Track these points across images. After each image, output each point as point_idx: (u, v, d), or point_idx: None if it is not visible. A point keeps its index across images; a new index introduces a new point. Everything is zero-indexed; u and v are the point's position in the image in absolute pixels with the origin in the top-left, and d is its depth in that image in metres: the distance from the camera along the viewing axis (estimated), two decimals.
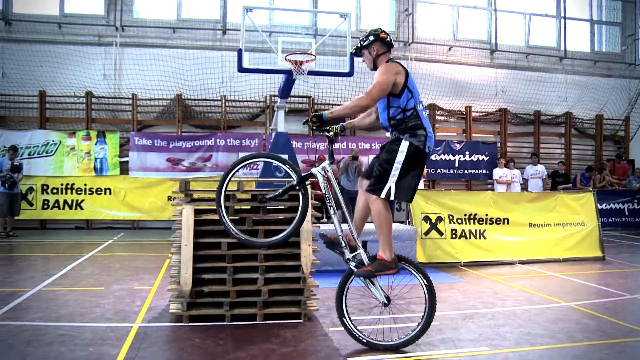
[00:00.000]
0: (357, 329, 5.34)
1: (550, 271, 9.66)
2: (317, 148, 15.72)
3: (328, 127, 5.00)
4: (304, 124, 5.21)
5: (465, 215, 10.42)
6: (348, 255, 5.25)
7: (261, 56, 13.46)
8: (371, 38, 5.05)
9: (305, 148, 16.22)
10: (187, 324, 5.77)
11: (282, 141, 12.85)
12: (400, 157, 4.80)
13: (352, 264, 5.24)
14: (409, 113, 4.89)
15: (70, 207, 15.87)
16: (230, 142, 15.97)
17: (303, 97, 16.71)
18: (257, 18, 12.77)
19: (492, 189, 16.56)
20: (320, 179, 5.21)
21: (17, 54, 15.98)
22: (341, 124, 5.18)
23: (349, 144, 16.43)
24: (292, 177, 5.28)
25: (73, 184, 15.89)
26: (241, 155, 15.94)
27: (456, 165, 17.51)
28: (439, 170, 17.42)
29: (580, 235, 11.02)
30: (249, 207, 6.09)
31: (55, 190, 15.83)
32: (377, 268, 5.19)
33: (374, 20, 18.27)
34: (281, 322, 5.86)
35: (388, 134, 5.23)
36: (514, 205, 10.89)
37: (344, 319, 5.36)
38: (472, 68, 18.58)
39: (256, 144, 16.12)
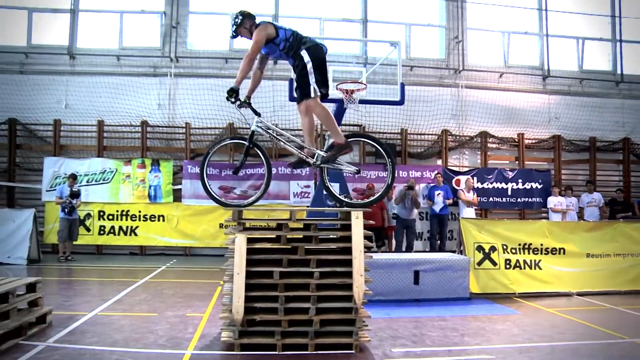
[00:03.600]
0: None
1: (610, 304, 9.33)
2: (368, 177, 15.81)
3: (239, 101, 6.15)
4: (227, 99, 6.09)
5: (519, 244, 10.23)
6: (311, 161, 6.40)
7: None
8: (240, 17, 6.24)
9: (356, 176, 16.15)
10: (238, 353, 5.80)
11: (333, 170, 12.85)
12: (308, 63, 6.07)
13: (319, 162, 6.36)
14: (290, 38, 6.18)
15: (125, 233, 16.24)
16: (281, 171, 16.08)
17: (354, 125, 16.74)
18: None
19: (547, 218, 16.21)
20: (259, 131, 6.41)
21: (79, 85, 16.67)
22: (245, 96, 6.35)
23: (401, 172, 16.35)
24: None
25: (128, 211, 16.28)
26: (292, 183, 16.16)
27: (509, 193, 17.15)
28: (491, 199, 17.10)
29: None
30: (301, 237, 6.11)
31: (111, 217, 16.24)
32: (337, 150, 6.33)
33: (424, 48, 18.31)
34: (333, 353, 5.84)
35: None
36: (570, 234, 10.62)
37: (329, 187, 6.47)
38: (524, 95, 18.29)
39: (307, 172, 16.19)
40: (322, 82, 6.16)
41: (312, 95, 6.10)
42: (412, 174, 16.55)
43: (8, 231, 14.11)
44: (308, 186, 16.27)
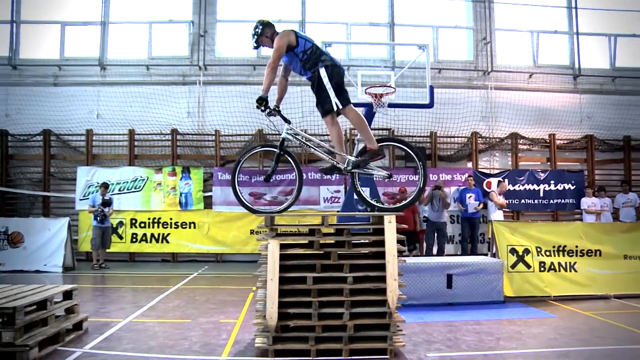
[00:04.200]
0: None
1: None
2: (399, 180, 15.72)
3: (268, 109, 6.19)
4: (257, 107, 6.18)
5: (553, 247, 10.05)
6: (342, 167, 6.39)
7: None
8: (260, 27, 6.34)
9: (386, 180, 16.10)
10: (272, 358, 5.80)
11: (364, 174, 12.83)
12: (325, 79, 6.10)
13: (349, 167, 6.35)
14: (309, 51, 6.22)
15: (157, 241, 16.41)
16: (311, 176, 16.12)
17: (383, 129, 16.70)
18: (335, 52, 12.94)
19: (581, 219, 15.94)
20: (290, 138, 6.51)
21: (110, 96, 16.93)
22: (274, 104, 6.40)
23: (431, 175, 16.24)
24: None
25: (159, 218, 16.44)
26: (322, 188, 16.15)
27: (541, 195, 16.91)
28: (523, 201, 16.88)
29: None
30: (333, 241, 6.10)
31: (143, 224, 16.43)
32: (369, 157, 6.32)
33: (452, 50, 18.19)
34: (367, 358, 5.81)
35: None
36: (606, 236, 10.39)
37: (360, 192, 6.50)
38: (554, 95, 18.02)
39: (337, 177, 16.19)
40: (344, 96, 6.22)
41: (337, 108, 6.15)
42: (442, 177, 16.47)
43: (44, 240, 14.45)
44: (338, 191, 16.25)
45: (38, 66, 17.27)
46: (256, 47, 6.49)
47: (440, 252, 14.53)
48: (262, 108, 6.14)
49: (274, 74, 6.20)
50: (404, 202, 6.98)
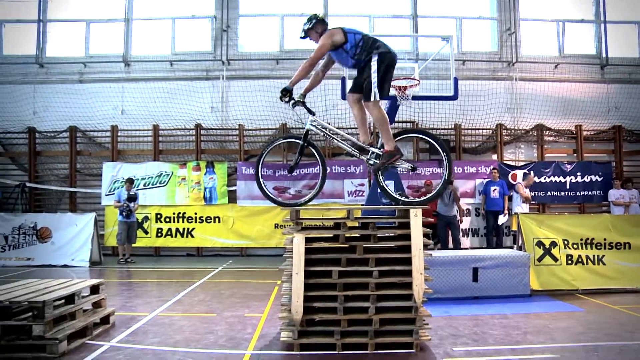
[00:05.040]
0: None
1: None
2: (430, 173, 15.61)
3: (293, 100, 6.19)
4: (281, 99, 6.18)
5: (581, 239, 9.89)
6: (365, 157, 6.44)
7: None
8: (314, 21, 6.31)
9: (410, 173, 16.01)
10: (298, 352, 5.80)
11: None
12: (374, 66, 6.00)
13: (370, 162, 6.39)
14: (361, 43, 6.16)
15: (182, 235, 16.53)
16: (335, 170, 16.11)
17: (407, 122, 16.60)
18: None
19: (608, 212, 15.69)
20: (314, 129, 6.49)
21: (134, 91, 17.05)
22: (301, 94, 6.34)
23: (456, 168, 16.14)
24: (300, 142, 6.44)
25: (184, 213, 16.55)
26: (346, 182, 16.12)
27: (567, 187, 16.67)
28: (549, 193, 16.66)
29: None
30: (358, 235, 6.06)
31: (168, 219, 16.55)
32: (387, 158, 6.24)
33: (476, 41, 17.98)
34: (393, 352, 5.78)
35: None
36: (635, 228, 10.18)
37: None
38: (581, 85, 17.71)
39: (361, 171, 16.17)
40: (384, 90, 6.14)
41: (372, 99, 6.05)
42: (467, 170, 16.34)
43: (71, 235, 14.69)
44: (362, 184, 16.20)
45: (64, 64, 17.49)
46: (303, 38, 6.47)
47: (457, 245, 14.41)
48: (286, 99, 6.14)
49: (310, 71, 6.20)
50: (429, 195, 6.89)
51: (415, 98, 11.85)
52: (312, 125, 6.48)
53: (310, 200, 6.38)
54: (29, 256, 14.66)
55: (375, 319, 5.75)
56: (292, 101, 6.18)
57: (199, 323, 7.60)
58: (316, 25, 6.31)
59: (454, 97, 12.14)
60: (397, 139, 6.39)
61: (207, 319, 7.83)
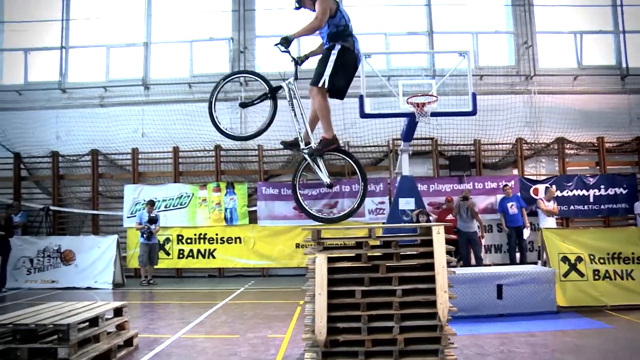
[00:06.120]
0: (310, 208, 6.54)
1: None
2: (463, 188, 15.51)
3: (291, 56, 6.06)
4: (275, 45, 5.92)
5: (607, 254, 9.73)
6: (302, 146, 6.32)
7: (382, 101, 13.55)
8: None
9: (430, 190, 15.99)
10: None
11: (408, 185, 12.79)
12: (333, 57, 5.91)
13: (305, 151, 6.30)
14: (341, 28, 6.02)
15: (204, 256, 16.57)
16: (355, 188, 16.00)
17: (426, 139, 16.57)
18: (375, 63, 12.93)
19: (635, 225, 15.43)
20: (286, 89, 6.28)
21: (154, 114, 17.23)
22: (299, 56, 6.33)
23: (477, 184, 16.06)
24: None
25: (205, 234, 16.60)
26: (367, 200, 15.97)
27: (591, 200, 16.41)
28: (572, 207, 16.42)
29: None
30: (380, 254, 6.02)
31: (189, 240, 16.61)
32: (323, 145, 6.13)
33: (493, 55, 17.93)
34: None
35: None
36: None
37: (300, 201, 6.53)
38: (601, 96, 17.43)
39: (381, 189, 16.15)
40: (335, 82, 5.96)
41: (319, 85, 5.92)
42: (487, 185, 16.21)
43: (94, 257, 14.85)
44: (383, 202, 16.14)
45: (85, 88, 17.78)
46: (297, 8, 6.25)
47: (479, 261, 14.26)
48: (283, 48, 5.88)
49: (315, 30, 5.96)
50: (342, 213, 6.62)
51: (433, 114, 11.85)
52: (288, 85, 6.29)
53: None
54: (53, 279, 14.86)
55: (399, 338, 5.68)
56: (287, 52, 5.96)
57: (222, 345, 7.59)
58: None
59: (473, 113, 12.11)
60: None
61: (230, 341, 7.82)
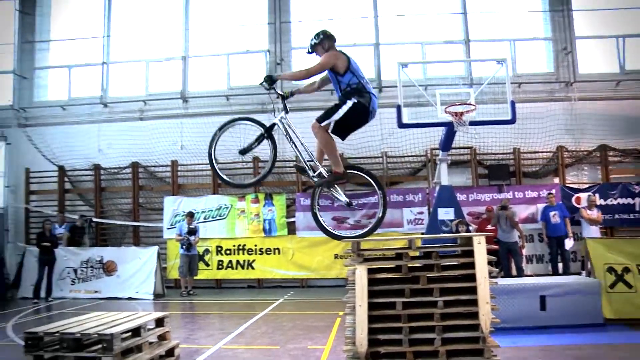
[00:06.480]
0: (326, 224, 6.71)
1: None
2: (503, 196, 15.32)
3: (276, 92, 6.27)
4: (260, 84, 6.17)
5: None
6: (312, 174, 6.49)
7: (419, 110, 13.50)
8: (321, 36, 6.20)
9: (470, 200, 15.82)
10: None
11: (447, 194, 12.69)
12: (345, 107, 6.03)
13: (316, 179, 6.47)
14: (354, 86, 6.07)
15: (243, 267, 16.66)
16: (393, 199, 16.00)
17: (464, 148, 16.38)
18: (411, 73, 12.88)
19: None
20: (281, 125, 6.49)
21: (192, 126, 17.42)
22: (290, 91, 6.54)
23: (516, 193, 15.84)
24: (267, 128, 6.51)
25: (244, 245, 16.71)
26: (405, 210, 15.96)
27: (636, 209, 15.90)
28: (617, 216, 15.97)
29: None
30: (421, 265, 5.97)
31: (228, 252, 16.74)
32: (332, 179, 6.37)
33: (531, 63, 17.68)
34: None
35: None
36: None
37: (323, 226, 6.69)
38: None
39: (420, 199, 16.05)
40: (338, 130, 6.19)
41: (322, 124, 6.13)
42: (528, 195, 15.95)
43: (135, 268, 15.15)
44: (422, 212, 16.01)
45: (125, 102, 18.15)
46: (310, 53, 6.38)
47: (520, 272, 13.97)
48: (267, 85, 6.10)
49: (302, 79, 6.21)
50: (365, 230, 6.65)
51: (472, 123, 11.76)
52: (281, 121, 6.48)
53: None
54: (96, 289, 15.19)
55: (441, 350, 5.61)
56: (272, 90, 6.17)
57: (262, 356, 7.62)
58: (323, 41, 6.22)
59: (512, 121, 11.99)
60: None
61: (270, 352, 7.84)
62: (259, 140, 6.54)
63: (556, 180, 16.65)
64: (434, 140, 15.47)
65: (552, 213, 14.63)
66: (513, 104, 11.76)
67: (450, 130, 11.75)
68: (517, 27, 17.84)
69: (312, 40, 6.31)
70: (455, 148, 15.19)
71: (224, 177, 7.00)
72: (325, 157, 6.44)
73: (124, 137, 17.56)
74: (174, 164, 17.45)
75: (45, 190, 18.22)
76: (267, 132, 6.46)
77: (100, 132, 18.06)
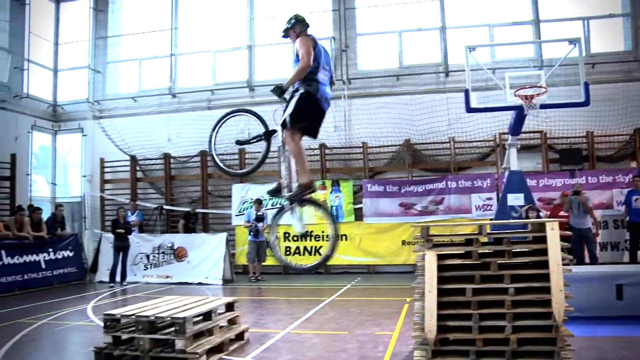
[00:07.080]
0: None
1: None
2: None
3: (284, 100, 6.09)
4: (271, 91, 6.08)
5: None
6: (285, 194, 6.26)
7: (487, 94, 13.18)
8: (294, 21, 6.26)
9: (540, 185, 15.38)
10: None
11: (516, 180, 12.38)
12: (295, 99, 5.88)
13: (286, 196, 6.25)
14: (307, 74, 5.88)
15: (310, 253, 16.77)
16: (461, 184, 15.75)
17: (534, 132, 15.86)
18: (479, 56, 12.60)
19: None
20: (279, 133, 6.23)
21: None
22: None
23: (590, 178, 15.26)
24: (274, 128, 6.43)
25: (312, 232, 16.72)
26: (473, 196, 15.68)
27: None
28: None
29: None
30: (491, 251, 5.86)
31: (295, 238, 16.82)
32: (299, 190, 6.07)
33: (606, 42, 16.88)
34: None
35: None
36: None
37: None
38: None
39: (488, 184, 15.72)
40: (296, 118, 5.88)
41: (286, 125, 5.95)
42: (602, 179, 15.33)
43: (205, 254, 15.51)
44: (490, 198, 15.68)
45: (193, 92, 18.55)
46: (284, 37, 6.42)
47: (593, 259, 13.44)
48: (277, 94, 6.06)
49: (305, 72, 5.89)
50: (316, 262, 6.86)
51: (543, 107, 11.40)
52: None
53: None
54: (167, 274, 15.66)
55: (512, 338, 5.52)
56: (283, 99, 6.11)
57: (330, 341, 7.67)
58: (295, 26, 6.25)
59: (586, 103, 11.54)
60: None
61: (338, 337, 7.89)
62: (256, 138, 6.65)
63: (633, 164, 15.91)
64: (503, 125, 15.07)
65: (635, 197, 13.95)
66: (587, 85, 11.32)
67: (519, 114, 11.43)
68: (590, 5, 17.06)
69: (285, 24, 6.36)
70: (525, 132, 14.68)
71: (222, 165, 7.27)
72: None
73: (192, 126, 17.88)
74: (242, 151, 17.68)
75: (119, 179, 18.94)
76: (266, 136, 6.49)
77: (169, 122, 18.56)
